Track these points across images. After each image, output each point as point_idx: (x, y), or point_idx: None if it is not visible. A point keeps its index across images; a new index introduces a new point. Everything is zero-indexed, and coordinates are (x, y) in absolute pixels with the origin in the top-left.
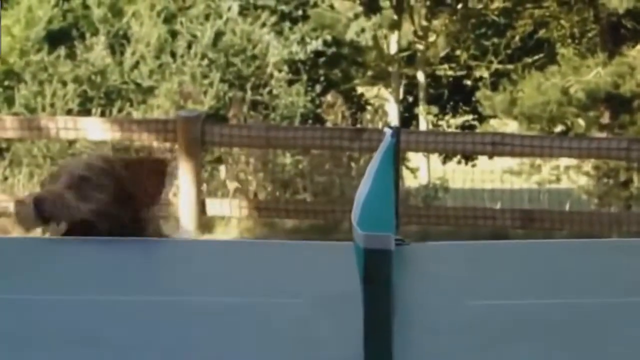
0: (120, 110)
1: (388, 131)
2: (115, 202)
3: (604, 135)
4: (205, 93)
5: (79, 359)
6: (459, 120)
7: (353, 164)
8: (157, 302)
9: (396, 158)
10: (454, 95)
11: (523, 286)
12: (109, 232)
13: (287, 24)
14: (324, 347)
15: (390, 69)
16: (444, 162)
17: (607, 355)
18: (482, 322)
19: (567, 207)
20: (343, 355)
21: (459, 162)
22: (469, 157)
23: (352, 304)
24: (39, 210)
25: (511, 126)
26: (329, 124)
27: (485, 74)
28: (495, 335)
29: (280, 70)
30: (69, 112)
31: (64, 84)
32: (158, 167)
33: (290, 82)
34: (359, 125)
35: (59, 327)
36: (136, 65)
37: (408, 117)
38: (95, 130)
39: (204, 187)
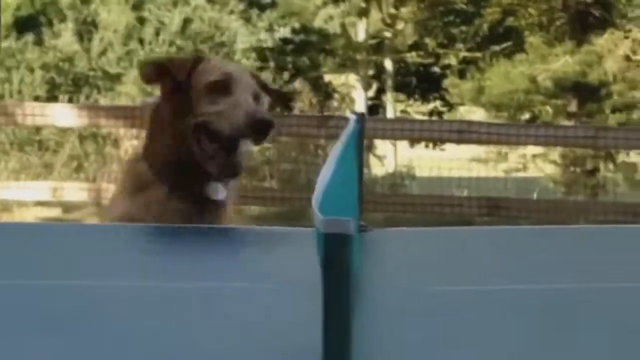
0: (87, 97)
1: (352, 117)
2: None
3: (571, 123)
4: None
5: (51, 345)
6: (427, 107)
7: (319, 152)
8: (128, 287)
9: (360, 144)
10: (422, 83)
11: (486, 272)
12: None
13: (255, 11)
14: (284, 332)
15: (358, 56)
16: (412, 146)
17: (572, 340)
18: (444, 307)
19: (534, 196)
20: (303, 340)
21: (426, 146)
22: (436, 143)
23: (314, 289)
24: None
25: (479, 114)
26: (296, 112)
27: (453, 62)
28: (458, 321)
29: (248, 58)
30: (37, 98)
31: (32, 70)
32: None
33: (258, 70)
34: (326, 113)
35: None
36: (104, 52)
37: (376, 105)
38: (63, 116)
39: None
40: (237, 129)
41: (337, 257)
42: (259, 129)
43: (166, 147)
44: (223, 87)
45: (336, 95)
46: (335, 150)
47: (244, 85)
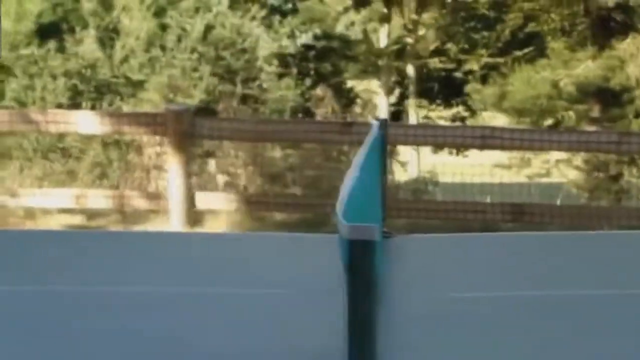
0: (110, 104)
1: (375, 123)
2: None
3: (593, 128)
4: (195, 87)
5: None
6: (449, 113)
7: (342, 158)
8: (147, 292)
9: (384, 150)
10: (444, 88)
11: (509, 278)
12: None
13: (276, 18)
14: (309, 336)
15: (380, 62)
16: (435, 152)
17: (594, 345)
18: (466, 313)
19: (557, 201)
20: (328, 344)
21: (449, 152)
22: (459, 149)
23: (338, 294)
24: None
25: (502, 120)
26: (318, 118)
27: (476, 67)
28: (479, 326)
29: (270, 64)
30: (59, 105)
31: (54, 77)
32: None
33: (280, 76)
34: (348, 119)
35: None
36: (126, 58)
37: (398, 111)
38: (86, 123)
39: (194, 180)
40: None
41: (361, 263)
42: None
43: None
44: None
45: (358, 101)
46: (358, 156)
47: None
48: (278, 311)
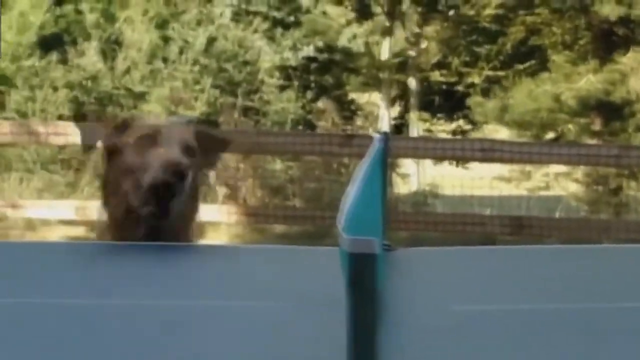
0: None
1: (377, 136)
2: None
3: (594, 142)
4: (196, 99)
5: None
6: (451, 126)
7: (343, 170)
8: (148, 306)
9: (385, 164)
10: (446, 101)
11: (510, 291)
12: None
13: (279, 30)
14: (308, 351)
15: (382, 75)
16: (436, 164)
17: (594, 358)
18: (468, 326)
19: (557, 214)
20: (328, 358)
21: (450, 163)
22: (460, 162)
23: (338, 308)
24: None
25: (503, 133)
26: (320, 130)
27: (477, 81)
28: (481, 340)
29: (271, 76)
30: (60, 117)
31: (56, 89)
32: (223, 144)
33: (282, 88)
34: (350, 131)
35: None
36: (128, 70)
37: (399, 124)
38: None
39: None
40: (156, 177)
41: (362, 276)
42: (175, 173)
43: (113, 201)
44: (150, 140)
45: (360, 114)
46: (360, 169)
47: (170, 137)
48: (278, 324)
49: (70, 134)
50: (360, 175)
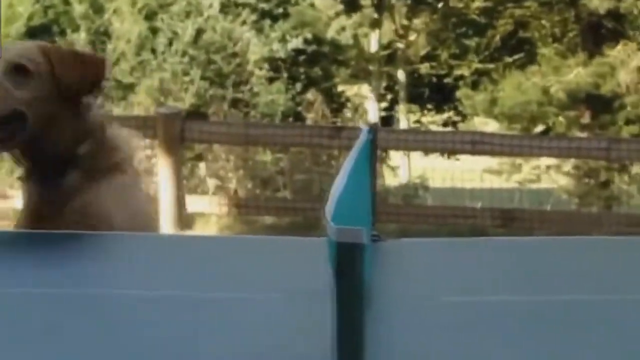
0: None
1: (364, 128)
2: (49, 93)
3: (584, 135)
4: (185, 90)
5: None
6: (440, 119)
7: (332, 162)
8: (135, 296)
9: (373, 155)
10: (435, 94)
11: (499, 283)
12: (41, 123)
13: (267, 22)
14: (296, 342)
15: (370, 67)
16: (426, 155)
17: (582, 353)
18: (457, 318)
19: (547, 207)
20: (315, 351)
21: (441, 156)
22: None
23: (326, 299)
24: None
25: (492, 125)
26: (309, 122)
27: (466, 73)
28: (470, 332)
29: (260, 68)
30: None
31: None
32: (95, 64)
33: (271, 80)
34: (339, 124)
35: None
36: (117, 61)
37: (388, 116)
38: None
39: (184, 184)
40: None
41: (349, 266)
42: None
43: None
44: None
45: (349, 106)
46: (348, 160)
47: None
48: (266, 314)
49: None
50: (348, 166)
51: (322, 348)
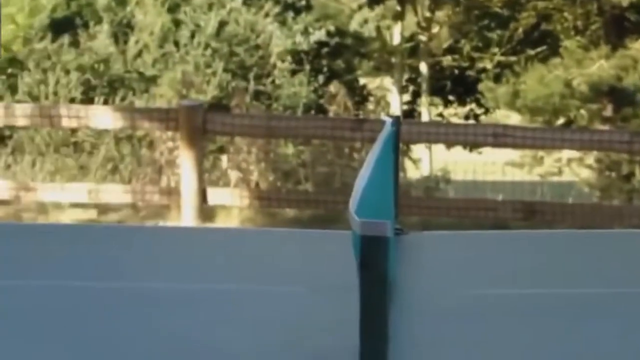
0: (123, 99)
1: (388, 120)
2: None
3: (606, 128)
4: (208, 82)
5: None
6: (462, 111)
7: (355, 155)
8: (159, 288)
9: (397, 147)
10: (457, 86)
11: (520, 275)
12: None
13: (290, 14)
14: (322, 333)
15: (393, 60)
16: (448, 149)
17: (604, 344)
18: (477, 310)
19: (569, 200)
20: (340, 340)
21: (464, 148)
22: (472, 147)
23: (351, 291)
24: None
25: (515, 118)
26: (331, 115)
27: (489, 66)
28: (491, 323)
29: (283, 61)
30: (72, 100)
31: (67, 72)
32: None
33: (293, 72)
34: (361, 116)
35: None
36: (139, 54)
37: (411, 109)
38: (99, 118)
39: (206, 176)
40: None
41: (374, 259)
42: None
43: None
44: None
45: (371, 99)
46: (372, 153)
47: None
48: (290, 308)
49: (83, 117)
50: (372, 159)
51: (348, 339)
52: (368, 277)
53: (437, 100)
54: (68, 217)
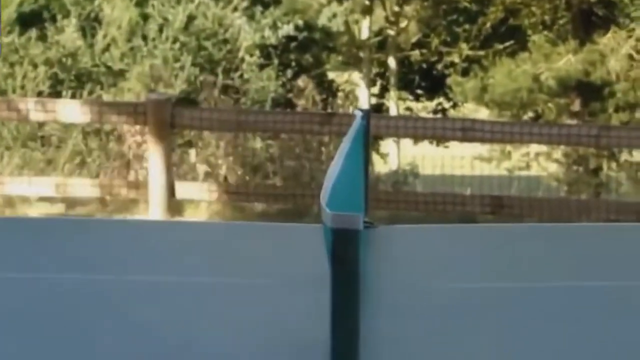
0: (90, 93)
1: (358, 113)
2: None
3: (574, 122)
4: (176, 76)
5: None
6: (431, 105)
7: (323, 149)
8: (129, 281)
9: (366, 140)
10: (425, 81)
11: (488, 269)
12: None
13: (258, 8)
14: (293, 326)
15: (361, 54)
16: (416, 143)
17: (574, 335)
18: (447, 304)
19: (537, 194)
20: (311, 334)
21: (430, 142)
22: (440, 141)
23: (321, 284)
24: None
25: (483, 112)
26: (299, 109)
27: (457, 60)
28: (462, 317)
29: (251, 55)
30: (40, 94)
31: (35, 66)
32: None
33: (262, 67)
34: (329, 110)
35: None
36: (107, 48)
37: (379, 103)
38: (66, 112)
39: (174, 170)
40: None
41: (345, 252)
42: None
43: None
44: None
45: (340, 93)
46: (342, 146)
47: None
48: (261, 300)
49: (50, 111)
50: (342, 152)
51: (318, 332)
52: (340, 269)
53: (405, 94)
54: (35, 211)
